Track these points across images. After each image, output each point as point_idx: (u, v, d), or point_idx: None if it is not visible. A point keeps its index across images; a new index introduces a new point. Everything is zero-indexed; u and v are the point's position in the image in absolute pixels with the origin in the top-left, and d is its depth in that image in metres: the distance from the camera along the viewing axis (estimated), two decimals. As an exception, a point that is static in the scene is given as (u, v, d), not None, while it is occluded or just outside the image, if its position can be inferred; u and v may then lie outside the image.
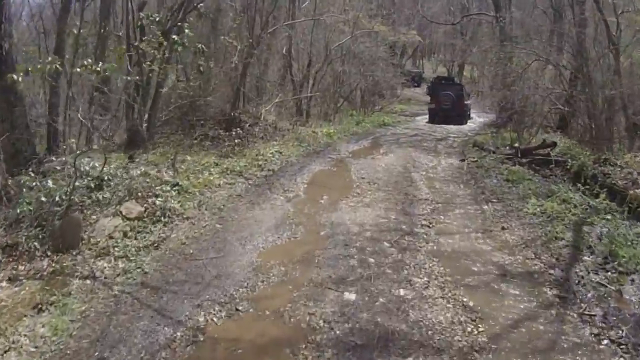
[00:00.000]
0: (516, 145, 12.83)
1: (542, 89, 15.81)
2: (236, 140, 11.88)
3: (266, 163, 11.02)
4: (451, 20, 34.50)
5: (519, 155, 12.57)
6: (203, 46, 10.58)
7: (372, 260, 5.86)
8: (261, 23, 14.65)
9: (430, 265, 5.80)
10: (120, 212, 6.46)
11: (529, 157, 12.36)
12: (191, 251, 6.05)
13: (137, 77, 10.11)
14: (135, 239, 6.14)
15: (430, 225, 7.34)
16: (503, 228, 7.28)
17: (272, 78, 20.10)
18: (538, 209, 7.98)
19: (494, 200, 9.01)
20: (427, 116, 24.27)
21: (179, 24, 10.31)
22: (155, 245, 6.07)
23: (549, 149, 12.05)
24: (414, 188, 9.79)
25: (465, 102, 22.75)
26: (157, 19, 10.06)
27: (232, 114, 13.40)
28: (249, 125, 13.54)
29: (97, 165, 7.12)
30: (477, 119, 26.59)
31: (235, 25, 14.23)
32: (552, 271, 5.75)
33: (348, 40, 20.91)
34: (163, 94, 11.96)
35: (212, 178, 8.98)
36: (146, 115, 11.16)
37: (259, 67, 16.91)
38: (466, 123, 21.64)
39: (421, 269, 5.66)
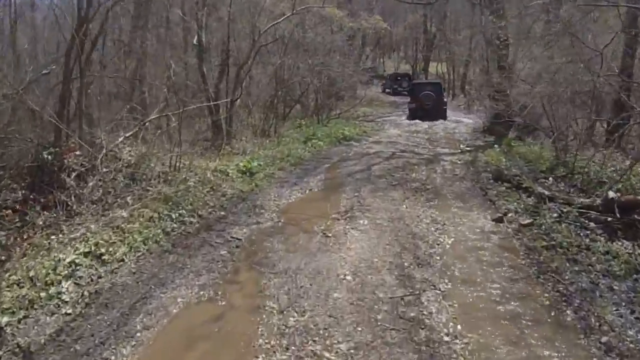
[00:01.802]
0: (611, 195, 6.12)
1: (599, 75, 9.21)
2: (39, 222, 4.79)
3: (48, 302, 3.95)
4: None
5: (612, 211, 5.97)
6: None
7: None
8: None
9: None
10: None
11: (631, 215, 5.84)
12: None
13: None
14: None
15: None
16: None
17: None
18: None
19: None
20: (397, 119, 20.85)
21: None
22: None
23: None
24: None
25: (444, 100, 21.32)
26: None
27: (47, 156, 6.23)
28: (79, 176, 6.38)
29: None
30: (456, 120, 20.70)
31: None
32: None
33: (286, 21, 13.90)
34: None
35: None
36: None
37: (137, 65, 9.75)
38: (446, 119, 19.91)
39: None
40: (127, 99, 14.75)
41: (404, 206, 7.02)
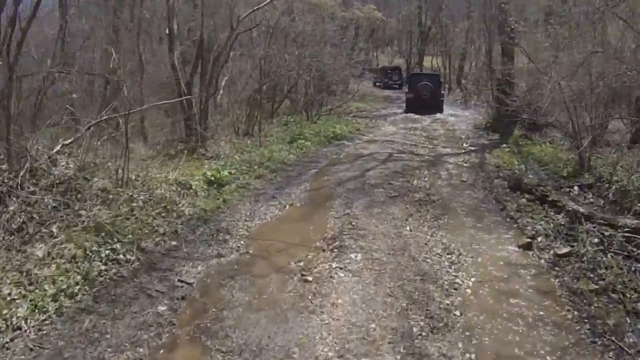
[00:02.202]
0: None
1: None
2: None
3: None
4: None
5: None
6: None
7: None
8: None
9: None
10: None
11: None
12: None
13: None
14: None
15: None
16: None
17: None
18: None
19: None
20: (392, 114, 19.43)
21: None
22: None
23: None
24: None
25: (442, 92, 20.88)
26: None
27: None
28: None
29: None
30: (454, 114, 19.48)
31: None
32: None
33: (271, 8, 12.36)
34: None
35: None
36: None
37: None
38: (442, 111, 19.38)
39: None
40: (101, 99, 13.24)
41: (408, 228, 5.56)
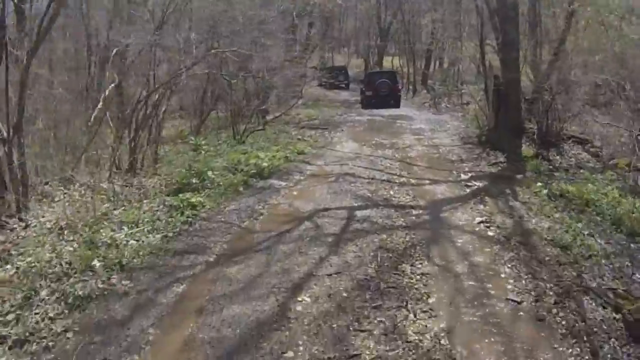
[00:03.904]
0: None
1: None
2: None
3: None
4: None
5: None
6: None
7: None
8: None
9: None
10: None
11: None
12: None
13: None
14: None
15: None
16: None
17: None
18: None
19: None
20: (352, 123, 15.35)
21: None
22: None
23: None
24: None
25: (399, 87, 21.06)
26: None
27: None
28: None
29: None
30: (427, 120, 15.08)
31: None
32: None
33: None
34: None
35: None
36: None
37: None
38: (399, 106, 19.11)
39: None
40: None
41: None
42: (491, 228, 5.17)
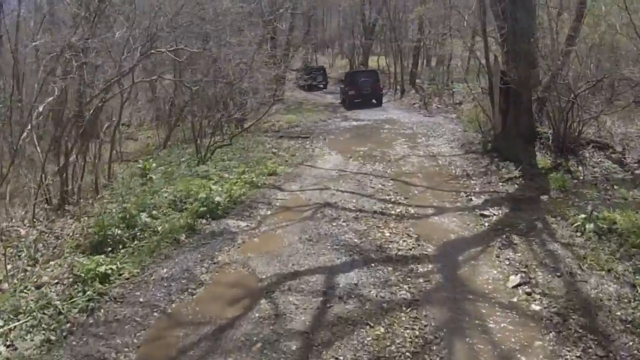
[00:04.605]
0: None
1: None
2: None
3: None
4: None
5: None
6: None
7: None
8: None
9: None
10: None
11: None
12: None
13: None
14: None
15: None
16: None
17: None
18: None
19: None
20: (336, 130, 13.80)
21: None
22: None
23: None
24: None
25: (381, 86, 20.71)
26: None
27: None
28: None
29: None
30: (419, 122, 13.58)
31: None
32: None
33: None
34: None
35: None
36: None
37: None
38: (381, 104, 18.98)
39: None
40: None
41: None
42: (534, 296, 3.49)
